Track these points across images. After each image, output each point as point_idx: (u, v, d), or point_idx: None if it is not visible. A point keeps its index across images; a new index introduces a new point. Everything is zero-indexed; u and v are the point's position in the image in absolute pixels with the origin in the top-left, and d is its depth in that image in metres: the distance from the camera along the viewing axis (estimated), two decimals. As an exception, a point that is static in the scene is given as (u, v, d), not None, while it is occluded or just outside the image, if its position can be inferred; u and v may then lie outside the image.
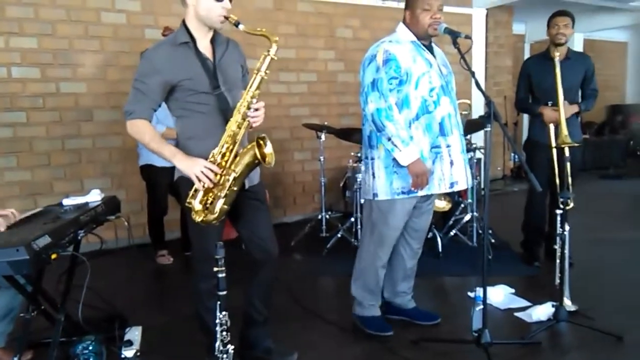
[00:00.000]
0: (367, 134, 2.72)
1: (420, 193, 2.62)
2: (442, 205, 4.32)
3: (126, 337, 2.65)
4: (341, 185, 4.96)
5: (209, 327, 2.21)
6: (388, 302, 2.98)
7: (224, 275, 1.89)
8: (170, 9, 4.77)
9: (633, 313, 2.99)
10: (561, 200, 2.89)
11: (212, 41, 2.22)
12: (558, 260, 2.92)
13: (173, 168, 2.29)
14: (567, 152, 3.07)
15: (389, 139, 2.51)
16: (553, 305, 2.87)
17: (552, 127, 3.19)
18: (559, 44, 3.58)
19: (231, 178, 2.06)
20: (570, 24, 3.57)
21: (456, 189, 2.68)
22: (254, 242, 2.35)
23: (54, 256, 1.91)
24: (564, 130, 3.17)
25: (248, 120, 2.11)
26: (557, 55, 3.39)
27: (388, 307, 2.97)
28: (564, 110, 3.30)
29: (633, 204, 6.33)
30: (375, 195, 2.68)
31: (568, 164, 3.03)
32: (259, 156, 2.07)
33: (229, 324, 1.95)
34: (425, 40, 2.64)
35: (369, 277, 2.82)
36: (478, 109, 6.62)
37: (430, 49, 2.66)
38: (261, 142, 2.11)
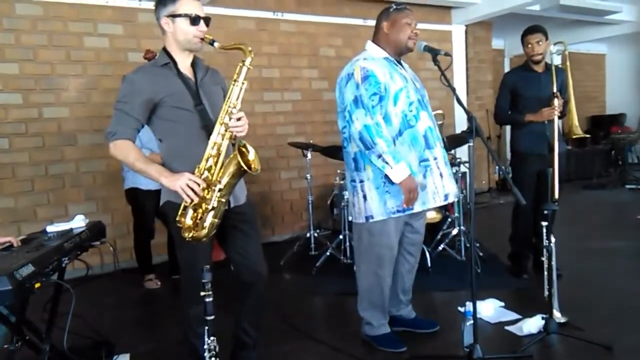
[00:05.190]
0: (351, 157, 2.69)
1: (417, 209, 2.62)
2: (432, 215, 4.32)
3: (114, 365, 2.60)
4: (329, 202, 4.96)
5: (198, 352, 2.17)
6: (390, 315, 2.96)
7: (211, 299, 1.87)
8: (153, 32, 4.78)
9: (621, 322, 3.00)
10: (545, 212, 2.90)
11: (193, 65, 2.26)
12: (546, 273, 2.93)
13: (159, 191, 2.27)
14: (556, 156, 3.26)
15: (379, 156, 2.49)
16: (543, 318, 2.88)
17: (556, 122, 3.43)
18: (537, 61, 3.66)
19: (216, 189, 2.05)
20: (543, 39, 3.63)
21: (449, 200, 2.70)
22: (244, 265, 2.34)
23: (37, 285, 1.86)
24: (575, 121, 3.48)
25: (230, 131, 2.11)
26: (540, 69, 3.64)
27: (390, 320, 2.95)
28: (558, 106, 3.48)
29: (617, 213, 6.41)
30: (369, 217, 2.65)
31: (557, 163, 3.26)
32: (243, 164, 2.04)
33: (217, 349, 1.93)
34: (397, 56, 2.68)
35: (375, 297, 2.80)
36: (461, 124, 6.70)
37: (401, 65, 2.70)
38: (243, 149, 2.11)
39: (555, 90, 3.48)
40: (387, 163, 2.49)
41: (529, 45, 3.65)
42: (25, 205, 4.41)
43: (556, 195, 3.32)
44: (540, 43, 3.62)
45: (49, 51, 4.45)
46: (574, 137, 3.57)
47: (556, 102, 3.45)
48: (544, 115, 3.52)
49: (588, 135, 3.53)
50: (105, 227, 2.64)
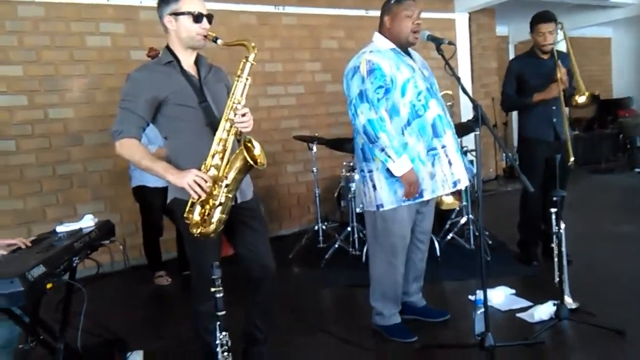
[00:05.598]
0: (360, 147, 2.72)
1: (427, 197, 2.63)
2: (450, 201, 4.29)
3: (128, 362, 2.62)
4: (335, 195, 4.95)
5: (210, 347, 2.18)
6: (401, 302, 2.97)
7: (221, 295, 1.87)
8: (155, 30, 4.76)
9: (632, 307, 2.99)
10: (554, 199, 2.89)
11: (196, 62, 2.26)
12: (556, 259, 2.92)
13: (166, 188, 2.28)
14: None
15: (382, 150, 2.51)
16: (554, 304, 2.87)
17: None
18: (547, 51, 3.63)
19: (223, 185, 2.06)
20: (554, 28, 3.59)
21: (459, 187, 2.70)
22: (252, 260, 2.34)
23: (49, 286, 1.87)
24: (580, 81, 3.48)
25: (235, 127, 2.11)
26: (546, 56, 3.63)
27: (401, 307, 2.96)
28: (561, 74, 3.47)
29: (625, 197, 6.37)
30: (380, 206, 2.67)
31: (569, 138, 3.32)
32: (249, 159, 2.05)
33: (229, 344, 1.94)
34: (401, 48, 2.66)
35: (387, 287, 2.81)
36: (466, 113, 6.66)
37: (408, 54, 2.69)
38: (249, 145, 2.11)
39: (558, 72, 3.45)
40: (389, 156, 2.51)
41: (541, 35, 3.59)
42: (34, 206, 4.44)
43: (571, 158, 3.44)
44: (552, 32, 3.58)
45: (52, 52, 4.46)
46: (582, 95, 3.51)
47: (558, 73, 3.44)
48: (552, 90, 3.49)
49: (597, 94, 3.57)
50: (114, 225, 2.65)
